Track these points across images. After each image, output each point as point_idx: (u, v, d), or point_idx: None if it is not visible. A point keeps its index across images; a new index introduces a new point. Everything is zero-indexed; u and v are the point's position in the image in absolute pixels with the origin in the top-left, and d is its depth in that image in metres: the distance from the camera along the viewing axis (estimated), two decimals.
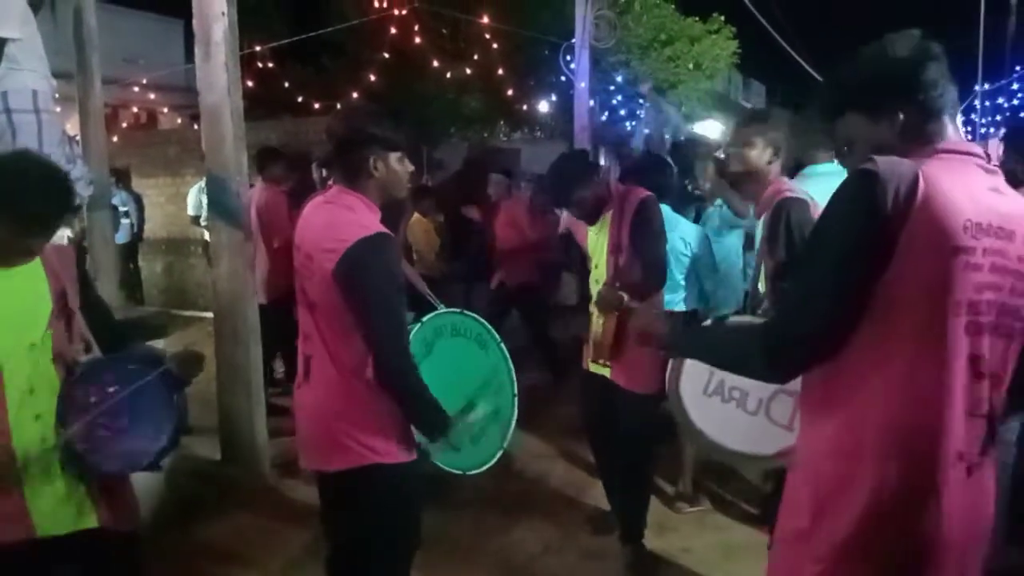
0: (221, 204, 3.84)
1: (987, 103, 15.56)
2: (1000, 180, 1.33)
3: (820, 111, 1.51)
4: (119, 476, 1.97)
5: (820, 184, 2.86)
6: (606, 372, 3.06)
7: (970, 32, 16.57)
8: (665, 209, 3.29)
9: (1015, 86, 13.06)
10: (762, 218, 2.51)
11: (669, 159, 4.31)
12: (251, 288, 3.92)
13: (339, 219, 1.95)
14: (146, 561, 3.04)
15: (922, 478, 1.26)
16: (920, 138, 1.34)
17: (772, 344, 1.33)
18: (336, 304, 1.91)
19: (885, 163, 1.25)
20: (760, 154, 2.51)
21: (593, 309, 3.06)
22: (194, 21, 3.78)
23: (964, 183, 1.26)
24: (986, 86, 14.63)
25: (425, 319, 2.25)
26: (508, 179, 6.40)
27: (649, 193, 3.02)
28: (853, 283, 1.24)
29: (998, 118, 14.43)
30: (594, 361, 3.10)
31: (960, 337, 1.24)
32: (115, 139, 9.27)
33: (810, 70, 14.16)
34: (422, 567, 2.31)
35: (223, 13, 3.70)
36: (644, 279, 2.93)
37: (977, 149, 1.37)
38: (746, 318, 2.29)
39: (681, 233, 3.61)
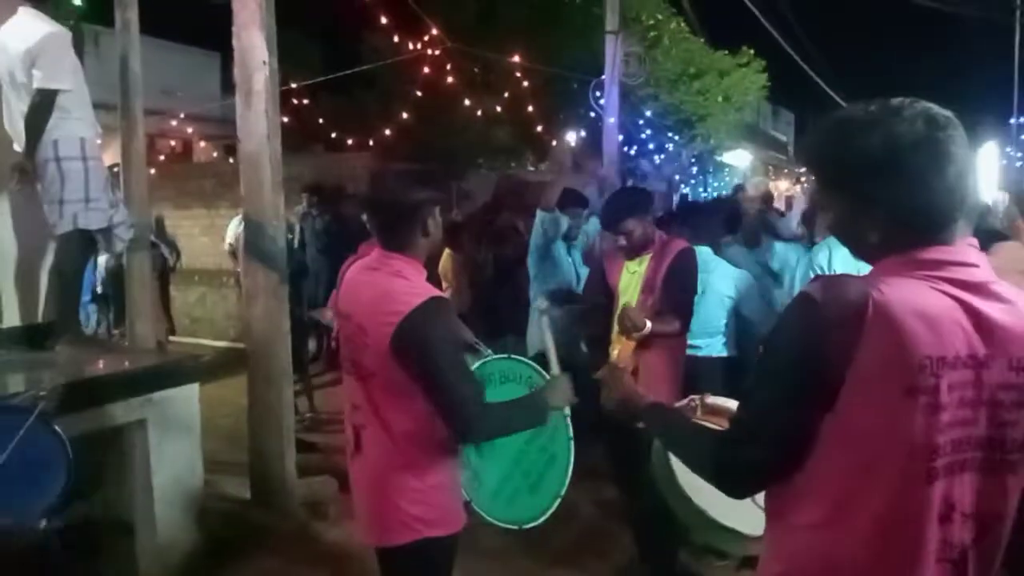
0: (258, 247, 3.91)
1: (1023, 137, 15.33)
2: (988, 292, 1.13)
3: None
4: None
5: None
6: None
7: (1007, 62, 16.41)
8: (704, 251, 3.36)
9: None
10: None
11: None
12: (284, 330, 3.97)
13: (391, 287, 1.93)
14: None
15: None
16: (897, 243, 1.15)
17: (720, 464, 1.26)
18: (393, 373, 1.89)
19: (829, 286, 1.12)
20: None
21: (613, 338, 3.08)
22: (235, 70, 3.89)
23: (931, 306, 1.09)
24: (1023, 119, 14.44)
25: (472, 369, 2.23)
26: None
27: (689, 246, 3.10)
28: (796, 417, 1.14)
29: None
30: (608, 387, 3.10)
31: (917, 481, 1.10)
32: (152, 171, 9.53)
33: (840, 101, 14.10)
34: None
35: (264, 62, 3.80)
36: (669, 321, 2.97)
37: (969, 257, 1.15)
38: None
39: (721, 275, 3.63)
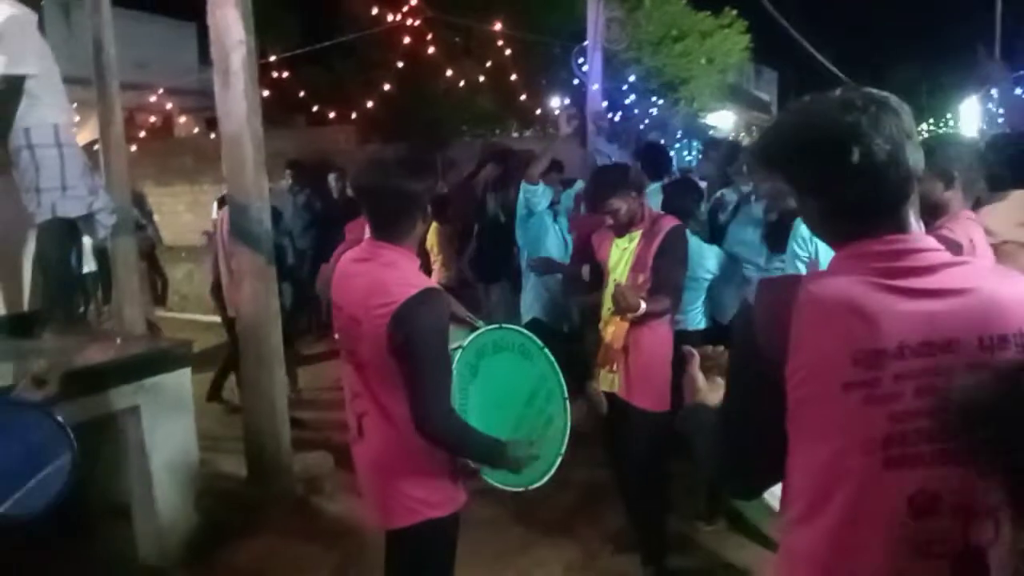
0: (243, 229, 3.89)
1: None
2: (946, 275, 1.08)
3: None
4: None
5: None
6: (615, 387, 3.10)
7: (988, 24, 16.34)
8: (693, 240, 3.37)
9: None
10: None
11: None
12: (274, 311, 3.98)
13: (384, 278, 1.94)
14: None
15: None
16: (840, 232, 1.14)
17: (714, 468, 1.32)
18: (388, 362, 1.92)
19: (763, 288, 1.15)
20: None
21: (605, 316, 3.11)
22: (212, 49, 3.82)
23: (866, 299, 1.06)
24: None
25: (466, 343, 2.24)
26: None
27: (679, 223, 3.10)
28: (754, 418, 1.16)
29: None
30: (601, 367, 3.14)
31: (879, 475, 1.07)
32: (133, 148, 9.39)
33: (822, 59, 14.02)
34: None
35: (241, 41, 3.73)
36: (661, 300, 2.98)
37: (920, 243, 1.11)
38: None
39: (706, 262, 3.66)
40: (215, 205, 6.67)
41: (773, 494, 1.70)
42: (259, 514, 3.75)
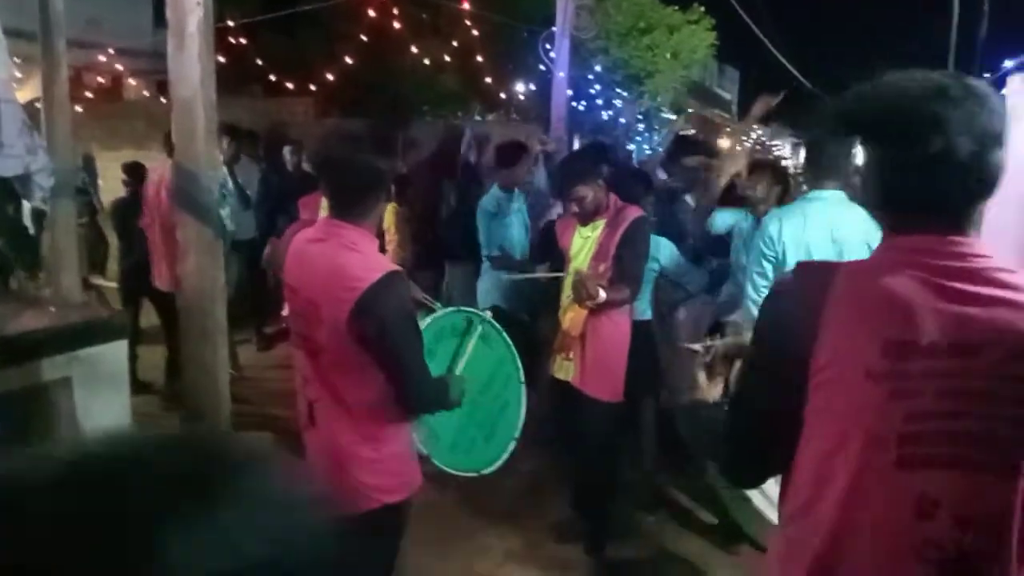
0: (191, 199, 3.75)
1: None
2: (990, 282, 1.05)
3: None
4: None
5: (823, 211, 2.93)
6: (570, 375, 3.10)
7: (944, 36, 16.75)
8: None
9: None
10: None
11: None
12: (219, 285, 3.85)
13: (344, 261, 1.86)
14: None
15: None
16: (900, 222, 1.11)
17: (721, 459, 1.32)
18: (348, 348, 1.85)
19: (796, 272, 1.13)
20: None
21: (564, 304, 3.10)
22: (167, 9, 3.64)
23: (903, 290, 1.03)
24: None
25: (424, 326, 2.22)
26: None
27: (643, 213, 3.11)
28: (773, 414, 1.14)
29: None
30: (557, 353, 3.14)
31: (883, 468, 1.05)
32: (79, 109, 9.00)
33: (784, 62, 14.21)
34: None
35: (199, 3, 3.58)
36: (621, 290, 2.98)
37: (970, 248, 1.07)
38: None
39: (658, 254, 3.67)
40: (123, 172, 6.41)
41: (766, 496, 1.71)
42: None
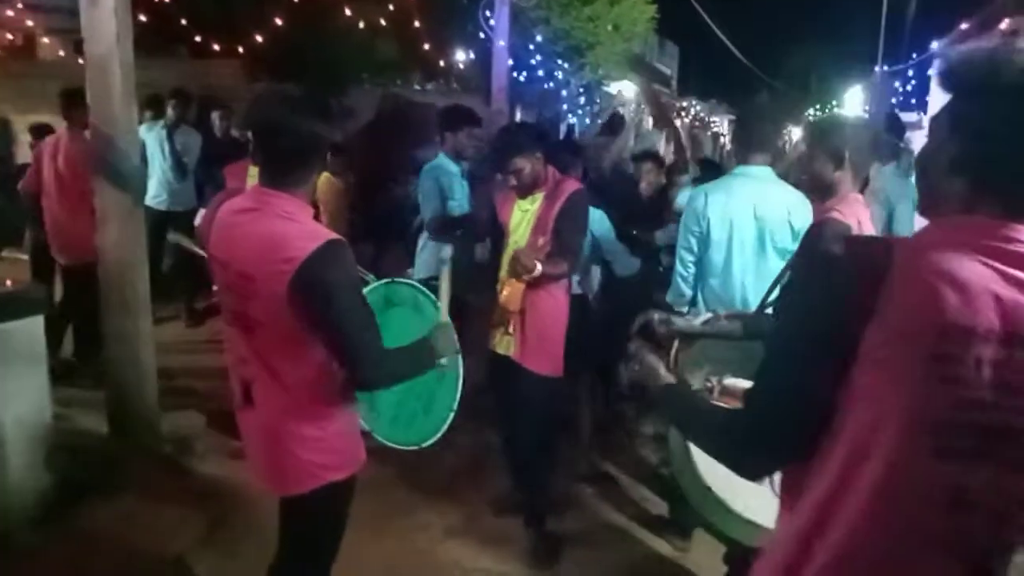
0: (108, 164, 3.54)
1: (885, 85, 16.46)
2: None
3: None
4: None
5: (748, 186, 2.94)
6: (511, 349, 3.08)
7: (874, 17, 17.27)
8: None
9: (911, 72, 13.80)
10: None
11: None
12: (141, 256, 3.68)
13: (280, 231, 1.75)
14: (25, 551, 2.90)
15: None
16: (968, 202, 1.05)
17: (733, 441, 1.19)
18: (287, 323, 1.75)
19: (853, 245, 1.07)
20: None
21: (503, 277, 3.06)
22: None
23: (965, 272, 0.99)
24: (885, 68, 15.37)
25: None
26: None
27: (581, 186, 3.08)
28: (806, 388, 1.08)
29: (894, 100, 15.26)
30: (495, 328, 3.11)
31: (921, 455, 1.01)
32: None
33: (723, 38, 14.39)
34: None
35: None
36: (559, 263, 2.95)
37: None
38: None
39: (594, 226, 3.66)
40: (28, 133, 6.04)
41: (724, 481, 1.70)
42: (120, 473, 3.49)
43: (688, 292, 3.13)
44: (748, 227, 2.93)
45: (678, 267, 3.17)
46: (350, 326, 1.77)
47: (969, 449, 1.00)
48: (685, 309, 3.11)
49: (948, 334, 0.97)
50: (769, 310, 2.33)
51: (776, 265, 2.89)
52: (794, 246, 2.89)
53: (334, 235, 1.78)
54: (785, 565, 1.14)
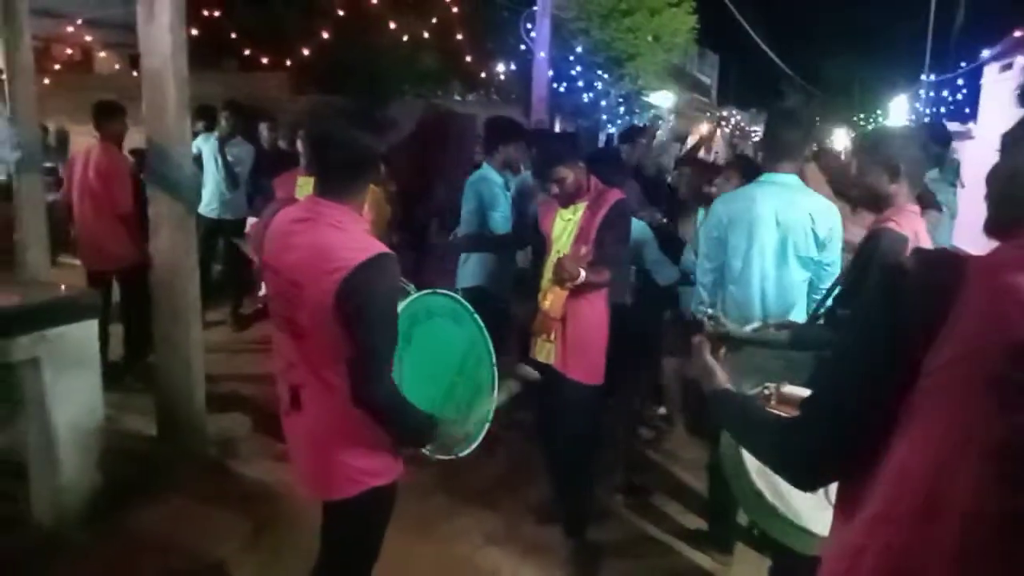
0: (162, 175, 3.65)
1: (932, 94, 16.10)
2: None
3: None
4: None
5: (772, 194, 2.91)
6: (551, 358, 3.08)
7: (921, 25, 16.91)
8: None
9: (960, 81, 13.47)
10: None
11: None
12: (192, 263, 3.77)
13: (331, 241, 1.78)
14: (75, 549, 2.99)
15: None
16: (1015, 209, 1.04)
17: (788, 450, 1.18)
18: (333, 332, 1.78)
19: (924, 257, 1.04)
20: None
21: (544, 285, 3.07)
22: None
23: None
24: (932, 77, 15.05)
25: (400, 309, 2.13)
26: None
27: (624, 196, 3.07)
28: (866, 402, 1.06)
29: (942, 109, 14.92)
30: (537, 336, 3.11)
31: (987, 487, 0.97)
32: (46, 81, 8.74)
33: (765, 48, 14.22)
34: None
35: None
36: (601, 272, 2.95)
37: None
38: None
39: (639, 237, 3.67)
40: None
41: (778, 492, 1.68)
42: (168, 475, 3.58)
43: (708, 299, 3.11)
44: (769, 235, 2.89)
45: (699, 274, 3.15)
46: (375, 338, 1.79)
47: None
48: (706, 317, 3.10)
49: (1012, 355, 0.94)
50: (820, 320, 2.30)
51: (798, 274, 2.87)
52: (819, 255, 2.86)
53: (383, 247, 1.81)
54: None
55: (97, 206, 4.75)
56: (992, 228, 1.12)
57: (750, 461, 1.72)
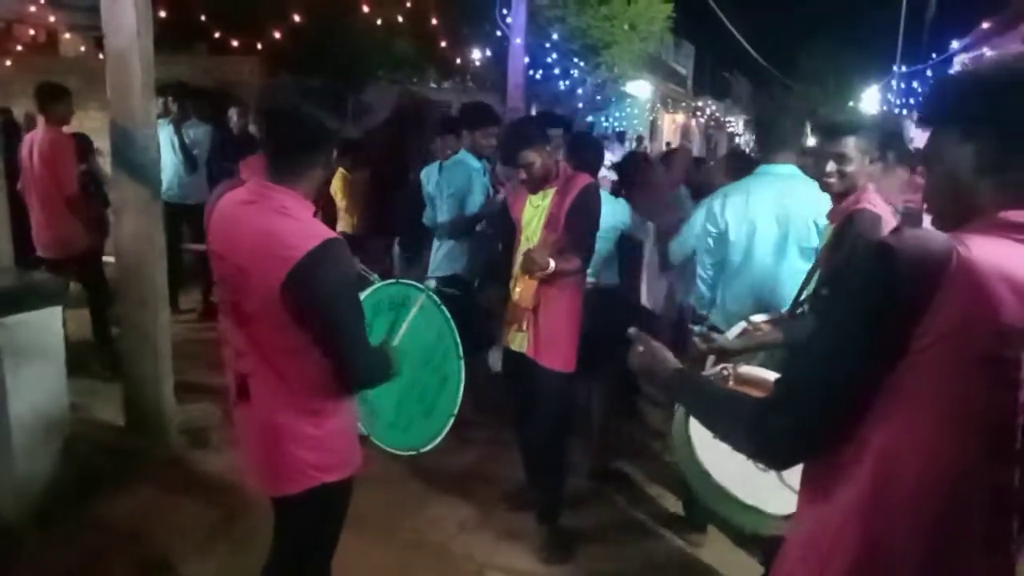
0: (126, 157, 3.56)
1: (903, 85, 16.32)
2: None
3: (923, 111, 1.18)
4: None
5: (771, 186, 2.91)
6: (524, 347, 3.06)
7: (893, 17, 17.11)
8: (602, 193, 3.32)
9: (930, 72, 13.68)
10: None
11: None
12: (158, 249, 3.69)
13: (278, 226, 1.70)
14: (38, 539, 2.93)
15: None
16: (993, 189, 1.06)
17: (761, 430, 1.15)
18: (282, 320, 1.71)
19: (912, 238, 1.03)
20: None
21: (515, 275, 3.05)
22: None
23: (1022, 272, 0.98)
24: (903, 68, 15.23)
25: (362, 298, 2.08)
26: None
27: (593, 180, 3.05)
28: (850, 380, 1.06)
29: (911, 100, 15.12)
30: (509, 325, 3.09)
31: (977, 464, 1.00)
32: (8, 63, 8.51)
33: (740, 38, 14.28)
34: None
35: None
36: (571, 259, 2.93)
37: None
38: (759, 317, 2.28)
39: (617, 215, 3.64)
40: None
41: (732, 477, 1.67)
42: (135, 466, 3.52)
43: (708, 294, 3.11)
44: (769, 228, 2.88)
45: (698, 269, 3.14)
46: (345, 326, 1.75)
47: (1021, 451, 0.99)
48: (707, 311, 3.09)
49: (1003, 336, 0.96)
50: (802, 308, 2.32)
51: (799, 265, 2.84)
52: (820, 244, 2.85)
53: (331, 233, 1.74)
54: (821, 561, 1.12)
55: (43, 191, 4.61)
56: (941, 222, 1.16)
57: (698, 442, 1.70)
